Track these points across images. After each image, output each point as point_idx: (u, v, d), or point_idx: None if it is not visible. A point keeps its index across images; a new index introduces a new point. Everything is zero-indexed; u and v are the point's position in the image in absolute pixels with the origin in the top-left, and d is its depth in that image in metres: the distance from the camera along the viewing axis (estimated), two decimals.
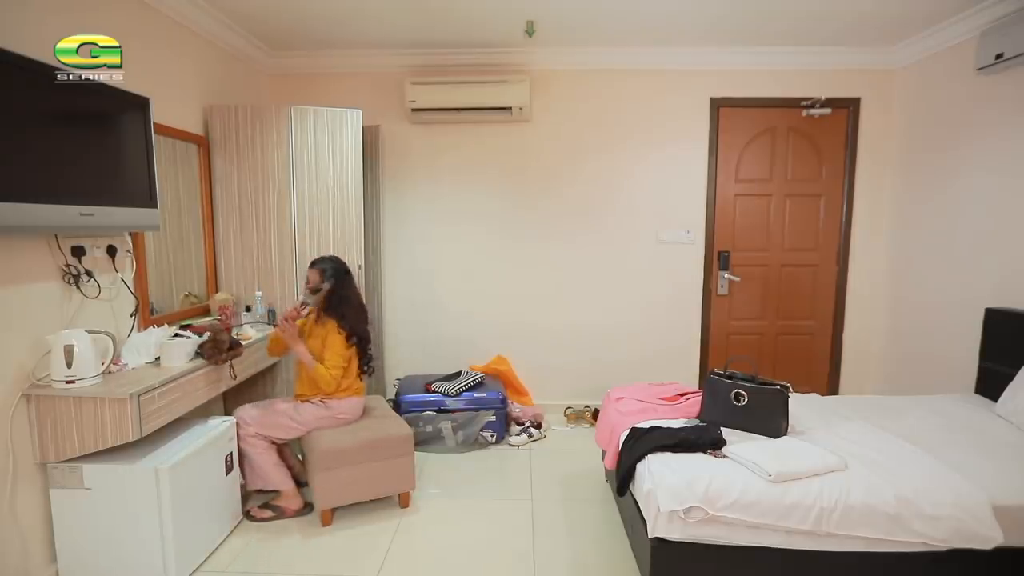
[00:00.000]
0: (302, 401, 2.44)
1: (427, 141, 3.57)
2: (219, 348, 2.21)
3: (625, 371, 3.65)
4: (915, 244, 3.30)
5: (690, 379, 3.68)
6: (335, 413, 2.44)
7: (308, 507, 2.45)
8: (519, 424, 3.35)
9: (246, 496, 2.49)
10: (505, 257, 3.66)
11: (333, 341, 2.39)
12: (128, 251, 2.27)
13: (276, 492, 2.46)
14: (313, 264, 2.46)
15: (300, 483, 2.54)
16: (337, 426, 2.45)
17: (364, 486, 2.39)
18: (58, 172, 1.78)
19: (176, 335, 2.21)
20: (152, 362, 2.12)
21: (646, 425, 2.16)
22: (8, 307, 1.76)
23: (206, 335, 2.23)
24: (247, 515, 2.42)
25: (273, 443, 2.44)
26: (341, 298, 2.44)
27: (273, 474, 2.40)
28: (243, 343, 2.45)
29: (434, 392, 3.19)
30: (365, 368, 2.55)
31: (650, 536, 1.75)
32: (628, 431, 2.15)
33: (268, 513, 2.42)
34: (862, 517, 1.66)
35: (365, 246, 3.21)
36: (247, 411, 2.42)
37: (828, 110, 3.48)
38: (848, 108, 3.49)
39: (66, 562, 1.92)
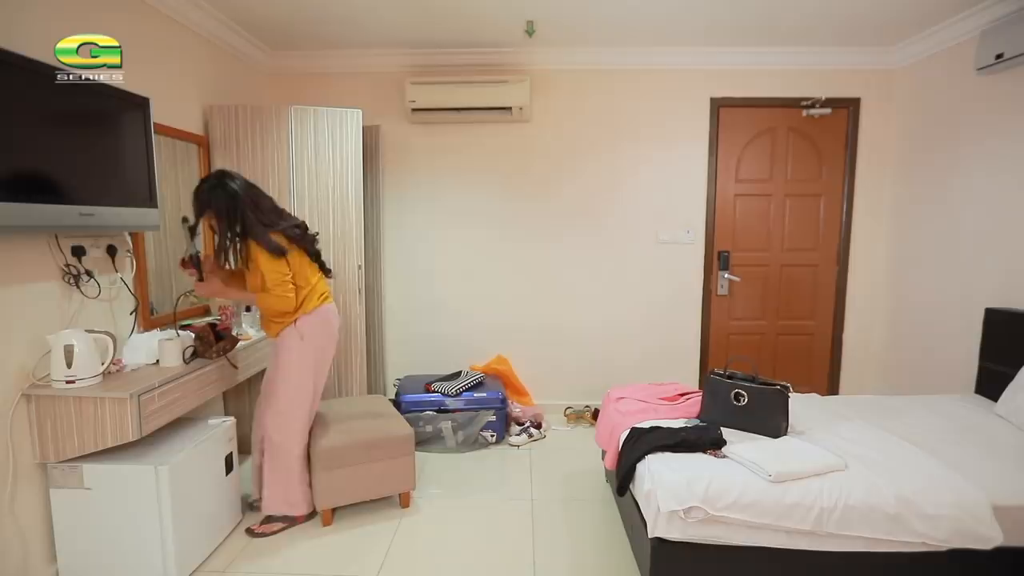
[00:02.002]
0: (275, 337, 2.25)
1: (427, 141, 3.57)
2: (207, 344, 2.22)
3: (625, 371, 3.65)
4: (915, 244, 3.30)
5: (690, 379, 3.68)
6: (309, 334, 2.23)
7: (314, 512, 2.40)
8: (519, 424, 3.35)
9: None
10: (505, 257, 3.66)
11: (264, 260, 2.09)
12: (128, 251, 2.27)
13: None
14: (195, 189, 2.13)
15: None
16: (321, 349, 2.29)
17: (364, 486, 2.39)
18: (58, 172, 1.78)
19: (171, 336, 2.20)
20: (152, 363, 2.11)
21: (646, 425, 2.16)
22: (8, 307, 1.77)
23: (193, 335, 2.23)
24: (249, 532, 2.29)
25: (305, 452, 2.32)
26: (235, 213, 2.06)
27: (300, 493, 2.30)
28: (243, 341, 2.46)
29: (434, 392, 3.19)
30: (322, 268, 2.32)
31: (650, 536, 1.75)
32: (628, 431, 2.15)
33: (277, 525, 2.31)
34: (862, 517, 1.66)
35: (365, 246, 3.22)
36: (259, 422, 2.32)
37: (828, 110, 3.48)
38: (848, 108, 3.49)
39: (66, 562, 1.92)
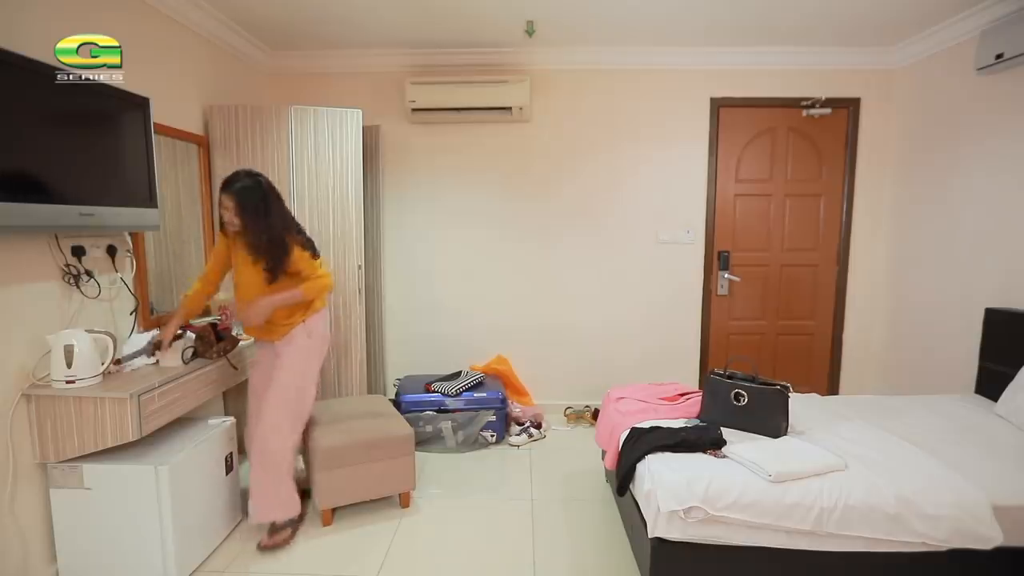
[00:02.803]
0: (276, 341, 2.19)
1: (427, 141, 3.57)
2: (208, 344, 2.21)
3: (625, 371, 3.65)
4: (915, 244, 3.30)
5: (690, 379, 3.68)
6: (315, 332, 2.24)
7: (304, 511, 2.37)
8: (519, 424, 3.35)
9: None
10: (505, 257, 3.66)
11: (298, 252, 2.13)
12: (128, 251, 2.27)
13: None
14: (226, 188, 2.06)
15: (305, 491, 2.43)
16: (323, 347, 2.31)
17: (364, 486, 2.39)
18: (58, 172, 1.79)
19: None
20: (152, 363, 2.11)
21: (646, 425, 2.16)
22: (8, 307, 1.77)
23: (193, 335, 2.22)
24: (262, 549, 2.18)
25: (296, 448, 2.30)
26: (269, 211, 2.08)
27: (292, 489, 2.25)
28: (243, 341, 2.46)
29: (434, 392, 3.19)
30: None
31: (650, 536, 1.75)
32: (628, 431, 2.15)
33: (286, 532, 2.23)
34: (862, 517, 1.66)
35: (365, 246, 3.21)
36: (252, 430, 2.26)
37: (828, 110, 3.48)
38: (848, 108, 3.49)
39: (66, 562, 1.92)
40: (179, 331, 2.17)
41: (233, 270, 2.25)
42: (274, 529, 2.24)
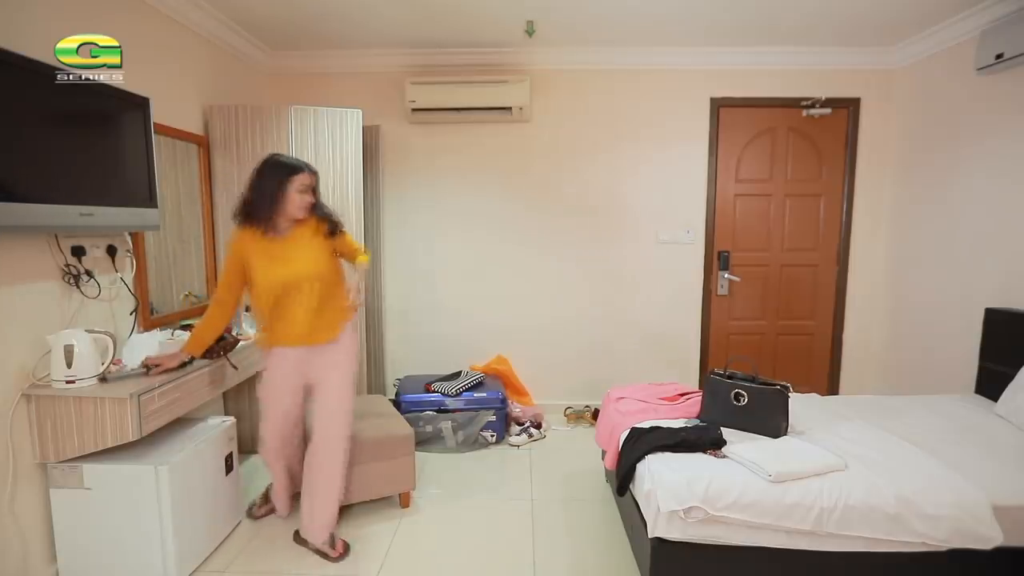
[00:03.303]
0: (330, 341, 2.11)
1: (427, 141, 3.57)
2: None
3: (625, 371, 3.65)
4: (915, 244, 3.30)
5: (690, 379, 3.68)
6: (353, 331, 2.23)
7: None
8: (519, 424, 3.35)
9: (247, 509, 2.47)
10: (505, 257, 3.66)
11: (342, 237, 2.17)
12: (128, 251, 2.27)
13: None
14: (309, 167, 2.04)
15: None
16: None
17: (364, 486, 2.39)
18: (58, 172, 1.79)
19: (173, 336, 2.21)
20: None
21: (646, 425, 2.16)
22: (8, 307, 1.76)
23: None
24: (336, 558, 2.12)
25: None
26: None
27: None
28: (243, 341, 2.46)
29: (434, 392, 3.19)
30: None
31: (650, 536, 1.75)
32: (628, 431, 2.15)
33: (340, 540, 2.19)
34: (862, 517, 1.66)
35: (365, 246, 3.21)
36: (288, 441, 2.24)
37: (828, 110, 3.48)
38: (848, 108, 3.49)
39: (66, 562, 1.92)
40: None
41: (269, 271, 2.02)
42: (326, 545, 2.16)
